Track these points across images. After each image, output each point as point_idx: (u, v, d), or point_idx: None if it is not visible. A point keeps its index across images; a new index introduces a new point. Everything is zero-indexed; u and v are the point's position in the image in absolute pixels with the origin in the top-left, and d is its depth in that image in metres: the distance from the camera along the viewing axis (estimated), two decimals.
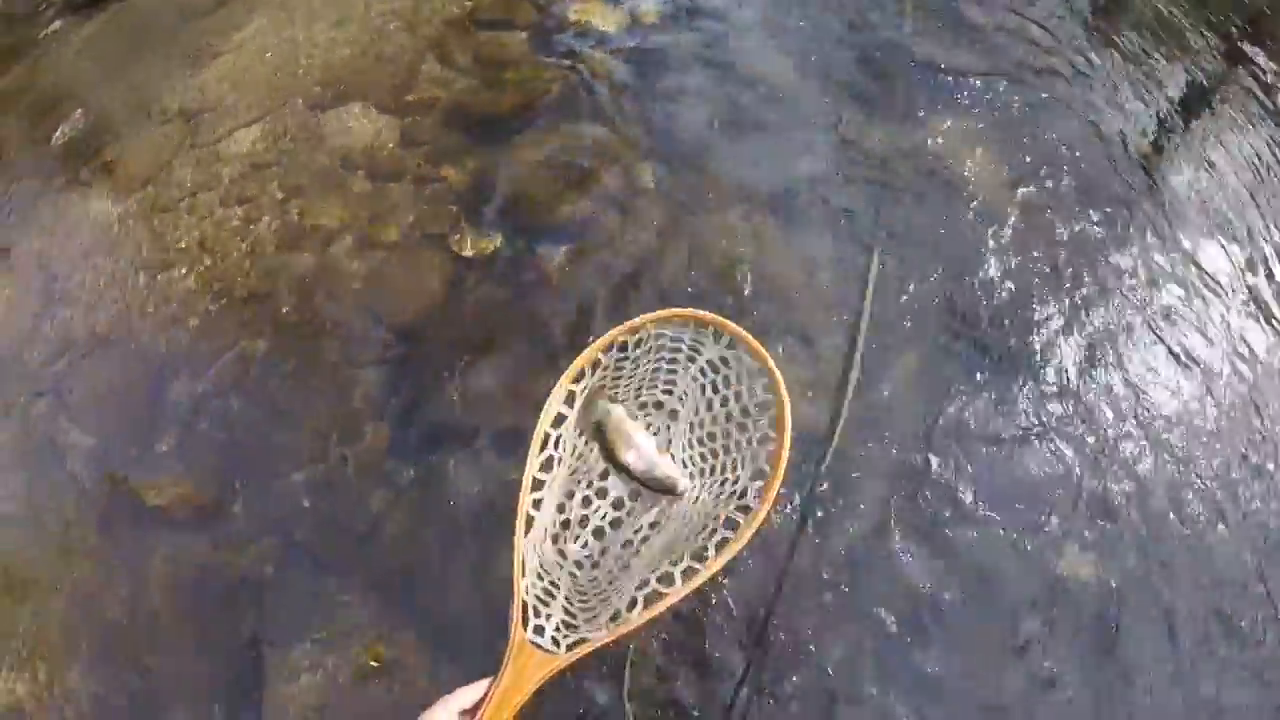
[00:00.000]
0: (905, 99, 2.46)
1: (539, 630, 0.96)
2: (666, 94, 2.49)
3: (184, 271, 2.15)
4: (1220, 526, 1.83)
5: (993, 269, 2.10)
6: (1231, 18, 2.89)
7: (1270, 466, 1.93)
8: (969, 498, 1.79)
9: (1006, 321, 2.05)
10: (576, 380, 1.17)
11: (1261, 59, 2.78)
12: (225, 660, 1.68)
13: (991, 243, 2.15)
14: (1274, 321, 2.14)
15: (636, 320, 1.16)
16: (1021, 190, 2.25)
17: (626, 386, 1.28)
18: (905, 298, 2.06)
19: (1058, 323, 2.06)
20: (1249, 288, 2.19)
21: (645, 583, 1.05)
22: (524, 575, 1.01)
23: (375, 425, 1.85)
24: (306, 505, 1.77)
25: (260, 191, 2.28)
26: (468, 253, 2.09)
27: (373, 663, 1.63)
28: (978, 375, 1.95)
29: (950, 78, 2.50)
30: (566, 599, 1.06)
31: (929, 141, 2.35)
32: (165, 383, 1.97)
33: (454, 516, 1.74)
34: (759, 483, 1.09)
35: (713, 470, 1.22)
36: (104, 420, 1.96)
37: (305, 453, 1.84)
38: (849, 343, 1.95)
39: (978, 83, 2.48)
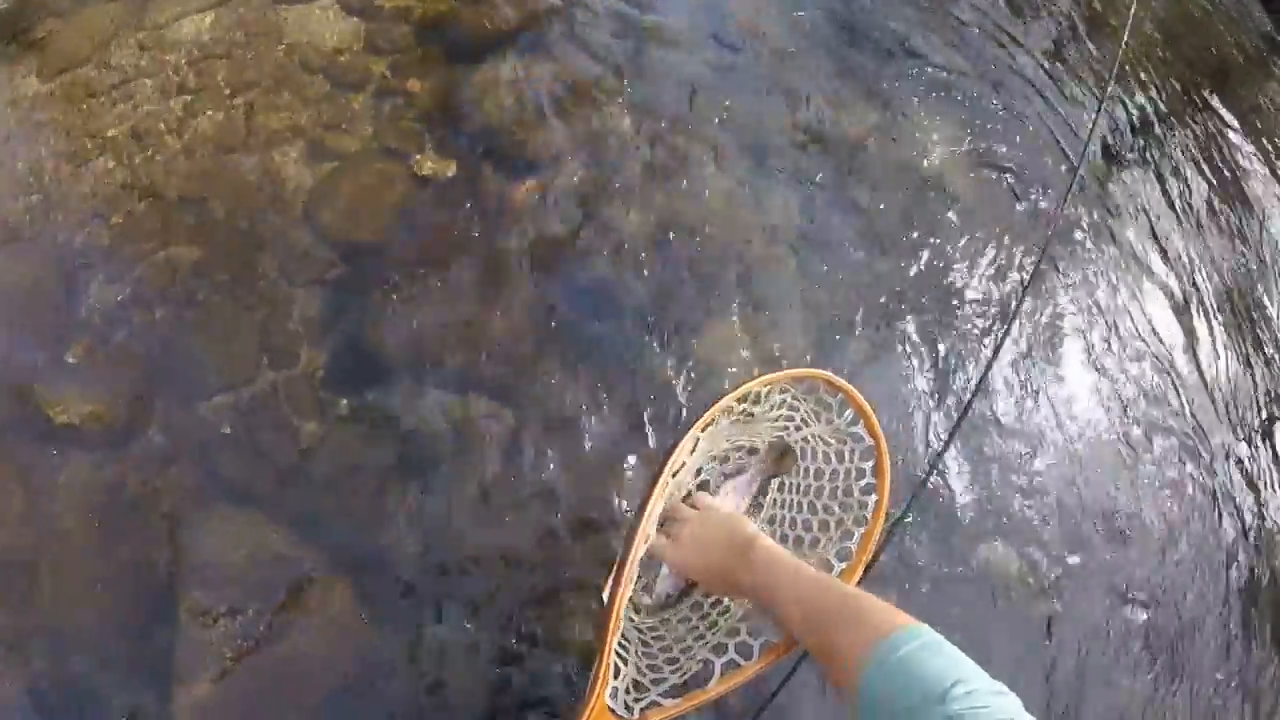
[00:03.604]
0: (887, 83, 2.27)
1: (613, 692, 0.83)
2: (654, 40, 2.16)
3: (111, 165, 1.76)
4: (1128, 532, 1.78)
5: (939, 255, 2.00)
6: (1201, 64, 2.90)
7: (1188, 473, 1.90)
8: None
9: (941, 310, 1.92)
10: (703, 429, 1.01)
11: (1220, 109, 2.80)
12: (133, 599, 1.39)
13: (941, 227, 2.04)
14: (1175, 354, 2.11)
15: (775, 375, 1.03)
16: (978, 187, 2.15)
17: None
18: (858, 270, 1.91)
19: (988, 317, 1.95)
20: (1179, 306, 2.19)
21: (722, 648, 0.93)
22: (618, 631, 0.85)
23: (311, 351, 1.54)
24: (228, 432, 1.47)
25: (206, 84, 1.88)
26: (427, 173, 1.75)
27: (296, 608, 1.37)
28: (908, 363, 1.82)
29: (931, 70, 2.32)
30: (637, 657, 0.91)
31: (902, 127, 2.20)
32: (80, 286, 1.61)
33: (390, 455, 1.47)
34: (842, 565, 0.98)
35: (797, 542, 1.09)
36: (8, 324, 1.60)
37: (232, 375, 1.52)
38: (804, 323, 1.76)
39: (954, 78, 2.33)
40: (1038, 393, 1.86)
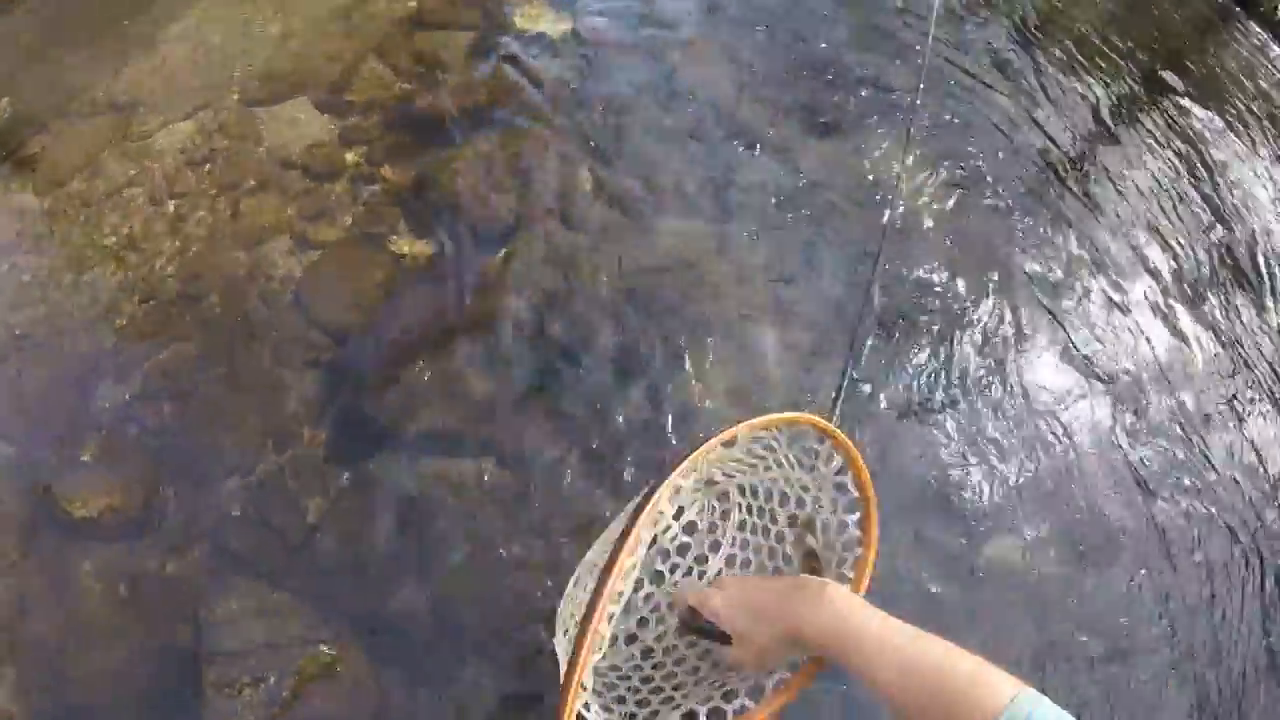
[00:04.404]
0: (839, 112, 2.40)
1: None
2: (608, 101, 2.32)
3: (111, 270, 1.87)
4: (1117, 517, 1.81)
5: (918, 272, 2.07)
6: (1152, 45, 2.97)
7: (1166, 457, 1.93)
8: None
9: (923, 321, 2.00)
10: (684, 476, 0.90)
11: (1176, 83, 2.87)
12: (161, 676, 1.46)
13: (915, 248, 2.11)
14: (1175, 326, 2.16)
15: (761, 419, 0.89)
16: (946, 199, 2.22)
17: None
18: (829, 299, 1.98)
19: (970, 322, 2.02)
20: (1151, 291, 2.24)
21: (708, 698, 0.89)
22: (581, 692, 0.81)
23: (311, 430, 1.64)
24: (239, 513, 1.56)
25: (193, 188, 2.01)
26: (405, 253, 1.88)
27: (317, 673, 1.45)
28: (887, 365, 1.89)
29: (882, 92, 2.43)
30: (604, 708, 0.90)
31: (860, 152, 2.29)
32: (90, 387, 1.71)
33: (393, 521, 1.56)
34: None
35: None
36: (24, 428, 1.69)
37: (238, 459, 1.62)
38: (779, 354, 1.84)
39: (908, 98, 2.39)
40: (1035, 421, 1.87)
